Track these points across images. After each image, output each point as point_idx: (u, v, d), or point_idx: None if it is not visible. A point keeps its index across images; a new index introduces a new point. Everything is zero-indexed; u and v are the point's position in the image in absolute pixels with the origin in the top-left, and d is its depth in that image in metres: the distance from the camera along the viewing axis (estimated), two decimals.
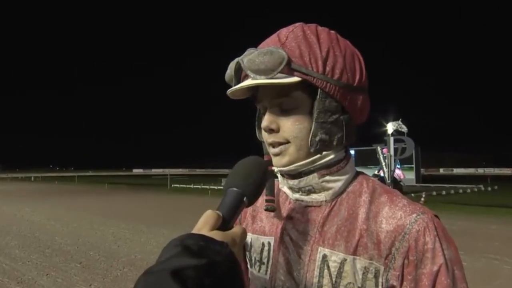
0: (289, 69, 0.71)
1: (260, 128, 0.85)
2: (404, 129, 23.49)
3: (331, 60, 0.73)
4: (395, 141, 19.98)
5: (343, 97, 0.75)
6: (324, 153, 0.77)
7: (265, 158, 0.84)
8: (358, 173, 0.83)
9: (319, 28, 0.77)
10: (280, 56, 0.70)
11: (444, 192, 21.71)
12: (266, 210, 0.82)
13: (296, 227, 0.80)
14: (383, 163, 18.56)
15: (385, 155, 18.68)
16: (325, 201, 0.79)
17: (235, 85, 0.76)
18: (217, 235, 0.53)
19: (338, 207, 0.78)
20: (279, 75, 0.71)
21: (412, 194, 18.84)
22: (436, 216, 0.73)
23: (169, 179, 34.68)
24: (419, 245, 0.68)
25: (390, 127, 23.01)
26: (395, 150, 19.23)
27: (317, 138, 0.74)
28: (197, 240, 0.50)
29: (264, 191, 0.84)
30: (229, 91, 0.76)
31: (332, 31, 0.78)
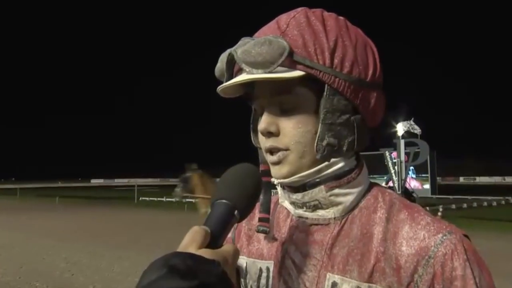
0: (291, 62, 0.72)
1: (255, 132, 0.86)
2: (417, 130, 23.79)
3: (339, 51, 0.74)
4: (407, 144, 20.18)
5: (354, 94, 0.76)
6: (332, 160, 0.78)
7: (261, 168, 0.85)
8: (372, 185, 0.83)
9: (325, 13, 0.78)
10: (280, 46, 0.70)
11: (465, 205, 22.03)
12: (258, 231, 0.83)
13: (299, 250, 0.80)
14: (392, 171, 18.76)
15: (394, 161, 18.90)
16: (334, 218, 0.79)
17: (226, 81, 0.76)
18: (206, 253, 0.54)
19: (349, 226, 0.78)
20: (279, 68, 0.71)
21: (427, 208, 19.00)
22: (466, 236, 0.73)
23: (136, 191, 34.35)
24: (447, 272, 0.68)
25: (401, 128, 23.24)
26: (407, 155, 19.47)
27: (324, 143, 0.75)
28: (185, 259, 0.51)
29: (258, 207, 0.85)
30: (219, 88, 0.77)
31: (341, 17, 0.79)
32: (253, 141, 0.88)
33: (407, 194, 18.88)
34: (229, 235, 0.95)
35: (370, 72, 0.78)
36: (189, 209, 23.08)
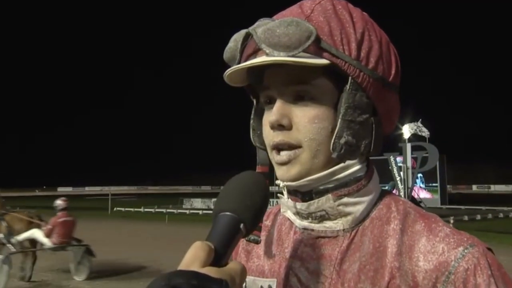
0: (316, 48, 0.73)
1: (256, 129, 0.88)
2: (425, 133, 23.95)
3: (366, 44, 0.77)
4: (414, 148, 20.35)
5: (376, 93, 0.78)
6: (347, 162, 0.79)
7: (258, 170, 0.87)
8: (383, 193, 0.84)
9: (351, 5, 0.81)
10: (308, 29, 0.71)
11: (479, 217, 22.27)
12: (248, 241, 0.83)
13: (305, 266, 0.81)
14: (398, 178, 18.87)
15: (400, 165, 19.01)
16: (343, 230, 0.80)
17: (237, 65, 0.77)
18: (211, 271, 0.54)
19: (360, 239, 0.79)
20: (302, 54, 0.72)
21: None
22: (490, 249, 0.74)
23: (110, 201, 34.08)
24: None
25: (407, 130, 23.40)
26: (414, 160, 19.60)
27: (342, 141, 0.76)
28: (189, 279, 0.51)
29: None
30: (229, 71, 0.78)
31: (365, 13, 0.82)
32: (252, 139, 0.89)
33: (414, 203, 18.95)
34: None
35: (393, 72, 0.81)
36: (171, 221, 23.08)
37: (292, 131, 0.77)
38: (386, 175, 20.27)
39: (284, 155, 0.78)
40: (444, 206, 32.31)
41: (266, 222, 0.93)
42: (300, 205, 0.81)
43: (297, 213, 0.83)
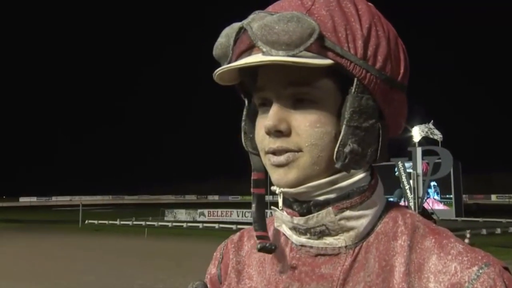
0: (319, 47, 0.73)
1: (248, 132, 0.88)
2: (438, 136, 24.03)
3: (373, 42, 0.77)
4: (425, 153, 20.41)
5: (383, 95, 0.78)
6: (352, 172, 0.79)
7: (254, 177, 0.87)
8: (389, 205, 0.85)
9: None
10: (310, 25, 0.71)
11: (498, 231, 22.44)
12: (260, 250, 0.82)
13: (304, 287, 0.81)
14: (407, 187, 18.91)
15: (409, 172, 19.05)
16: (345, 247, 0.80)
17: (229, 63, 0.78)
18: None
19: (364, 256, 0.79)
20: (304, 53, 0.72)
21: None
22: (507, 268, 0.74)
23: (81, 212, 33.87)
24: None
25: (417, 133, 23.44)
26: (426, 165, 19.66)
27: (347, 149, 0.76)
28: None
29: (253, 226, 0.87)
30: (220, 70, 0.77)
31: (371, 4, 0.82)
32: (244, 144, 0.89)
33: (426, 215, 19.00)
34: (214, 270, 0.97)
35: (402, 71, 0.81)
36: (150, 235, 23.04)
37: (291, 136, 0.77)
38: (393, 184, 20.36)
39: (282, 156, 0.78)
40: (459, 218, 32.52)
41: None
42: (297, 220, 0.80)
43: (294, 228, 0.83)
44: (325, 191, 0.79)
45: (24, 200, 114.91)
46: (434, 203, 33.63)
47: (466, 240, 17.36)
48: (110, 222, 32.07)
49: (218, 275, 0.96)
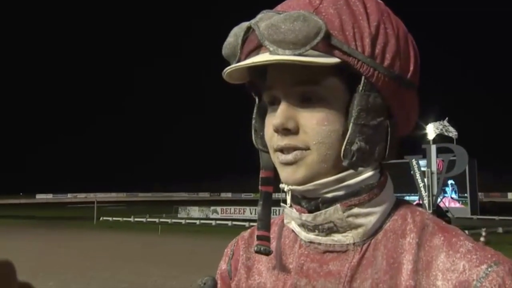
0: (326, 45, 0.74)
1: (259, 130, 0.89)
2: (453, 133, 23.83)
3: (381, 39, 0.77)
4: (439, 150, 20.26)
5: (392, 93, 0.79)
6: (359, 169, 0.79)
7: (262, 175, 0.88)
8: (398, 202, 0.85)
9: None
10: (316, 24, 0.71)
11: None
12: (257, 252, 0.83)
13: (312, 283, 0.81)
14: (421, 185, 18.80)
15: (423, 170, 18.92)
16: (353, 244, 0.80)
17: (237, 62, 0.78)
18: None
19: (372, 254, 0.79)
20: (310, 52, 0.73)
21: (466, 232, 18.83)
22: None
23: (96, 209, 34.24)
24: None
25: (432, 130, 23.29)
26: (442, 162, 19.51)
27: (354, 147, 0.76)
28: None
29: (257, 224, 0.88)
30: (228, 69, 0.78)
31: (381, 1, 0.83)
32: (254, 141, 0.90)
33: (440, 213, 18.78)
34: (224, 266, 0.99)
35: (411, 69, 0.81)
36: (164, 232, 23.14)
37: (299, 134, 0.78)
38: (408, 184, 20.22)
39: (291, 154, 0.78)
40: (475, 216, 32.26)
41: None
42: (305, 216, 0.81)
43: (302, 225, 0.84)
44: (333, 188, 0.79)
45: (40, 197, 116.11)
46: (450, 201, 33.35)
47: (482, 239, 17.17)
48: (124, 219, 32.27)
49: (228, 271, 0.97)
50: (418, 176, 19.01)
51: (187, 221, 31.58)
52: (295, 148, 0.78)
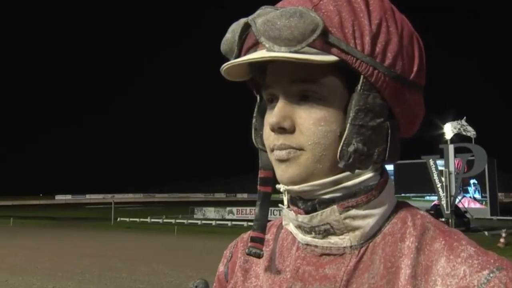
0: (323, 43, 0.72)
1: (259, 128, 0.88)
2: (471, 132, 23.56)
3: (382, 38, 0.76)
4: (457, 150, 20.10)
5: (393, 94, 0.77)
6: (357, 172, 0.78)
7: (261, 175, 0.87)
8: (399, 205, 0.84)
9: None
10: (313, 21, 0.70)
11: None
12: (248, 254, 0.83)
13: (307, 287, 0.80)
14: (439, 185, 18.64)
15: (441, 170, 18.77)
16: (350, 247, 0.79)
17: (235, 58, 0.78)
18: None
19: (369, 257, 0.78)
20: (307, 49, 0.71)
21: (486, 233, 18.88)
22: None
23: (113, 210, 34.51)
24: None
25: (449, 130, 23.05)
26: (460, 161, 19.31)
27: (351, 148, 0.75)
28: None
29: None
30: (226, 65, 0.77)
31: None
32: (253, 140, 0.90)
33: (459, 214, 18.66)
34: (222, 268, 0.99)
35: (415, 69, 0.79)
36: (180, 233, 23.27)
37: (295, 134, 0.77)
38: (424, 184, 20.05)
39: (284, 151, 0.77)
40: (494, 217, 31.94)
41: (267, 236, 0.92)
42: (301, 218, 0.80)
43: (299, 227, 0.83)
44: (330, 190, 0.78)
45: (59, 198, 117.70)
46: (470, 202, 33.06)
47: (502, 240, 17.03)
48: (141, 219, 32.53)
49: (225, 273, 0.97)
50: (435, 176, 18.86)
51: (203, 221, 31.74)
52: (289, 148, 0.78)
